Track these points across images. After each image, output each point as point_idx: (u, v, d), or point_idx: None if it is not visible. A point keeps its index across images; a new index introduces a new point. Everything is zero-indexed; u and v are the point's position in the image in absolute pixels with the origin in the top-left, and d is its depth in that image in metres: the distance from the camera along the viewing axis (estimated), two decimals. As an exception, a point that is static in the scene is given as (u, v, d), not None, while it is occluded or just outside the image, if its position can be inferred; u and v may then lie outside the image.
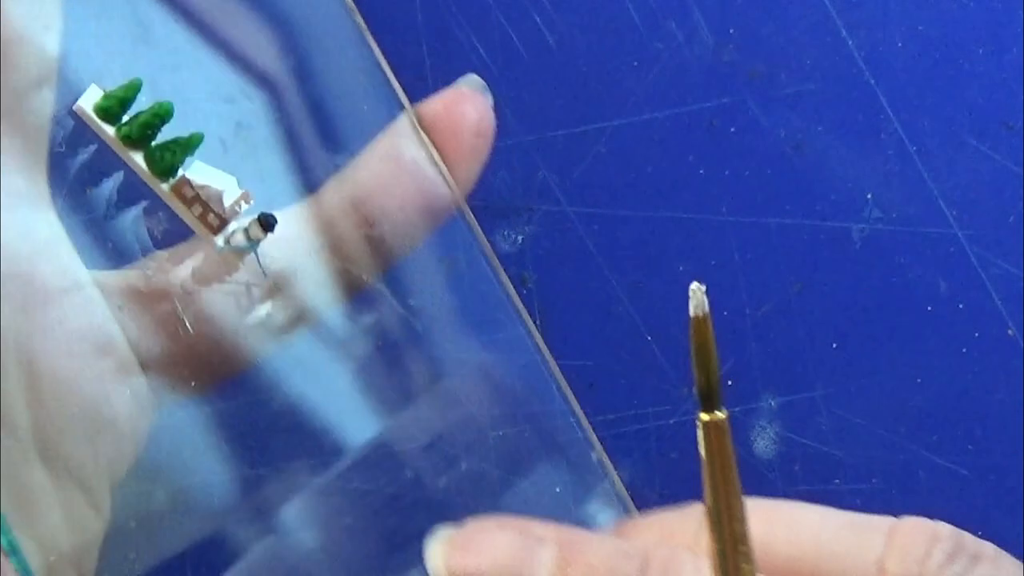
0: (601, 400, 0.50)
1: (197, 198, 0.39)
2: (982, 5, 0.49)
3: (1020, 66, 0.49)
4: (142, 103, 0.40)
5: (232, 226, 0.40)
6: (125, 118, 0.40)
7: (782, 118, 0.50)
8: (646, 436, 0.50)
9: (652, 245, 0.50)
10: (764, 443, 0.50)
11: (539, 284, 0.48)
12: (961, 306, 0.51)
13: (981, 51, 0.50)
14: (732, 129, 0.50)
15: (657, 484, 0.50)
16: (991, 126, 0.50)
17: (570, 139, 0.47)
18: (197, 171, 0.40)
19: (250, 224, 0.40)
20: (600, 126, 0.47)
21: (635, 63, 0.50)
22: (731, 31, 0.50)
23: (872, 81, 0.50)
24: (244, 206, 0.40)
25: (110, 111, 0.39)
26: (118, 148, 0.40)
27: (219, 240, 0.40)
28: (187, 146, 0.40)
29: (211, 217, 0.39)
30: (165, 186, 0.40)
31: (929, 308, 0.50)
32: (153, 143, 0.40)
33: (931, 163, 0.50)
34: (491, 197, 0.47)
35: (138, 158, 0.40)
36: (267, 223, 0.39)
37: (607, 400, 0.50)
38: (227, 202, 0.39)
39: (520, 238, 0.46)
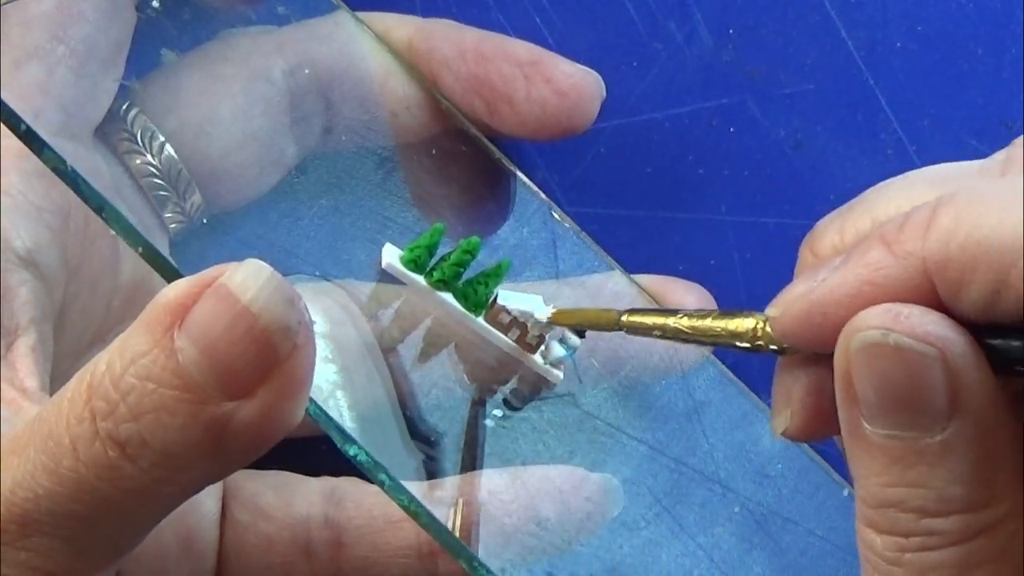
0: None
1: (514, 321, 0.41)
2: (982, 5, 0.49)
3: (1020, 66, 0.49)
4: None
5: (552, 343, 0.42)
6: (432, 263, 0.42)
7: (781, 118, 0.50)
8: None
9: (652, 245, 0.50)
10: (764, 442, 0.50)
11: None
12: (960, 306, 0.51)
13: (981, 51, 0.50)
14: (731, 129, 0.50)
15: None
16: (990, 126, 0.50)
17: (570, 139, 0.47)
18: (506, 297, 0.41)
19: (564, 335, 0.41)
20: (600, 126, 0.47)
21: (635, 63, 0.50)
22: (730, 31, 0.50)
23: (871, 81, 0.50)
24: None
25: (419, 260, 0.41)
26: (426, 294, 0.41)
27: (537, 357, 0.42)
28: (497, 275, 0.41)
29: (529, 337, 0.41)
30: (480, 318, 0.41)
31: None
32: (461, 281, 0.41)
33: (930, 163, 0.50)
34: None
35: (448, 298, 0.41)
36: (579, 331, 0.41)
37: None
38: (540, 319, 0.41)
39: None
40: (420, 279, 0.41)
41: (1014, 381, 0.33)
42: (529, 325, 0.41)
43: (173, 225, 0.42)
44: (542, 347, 0.42)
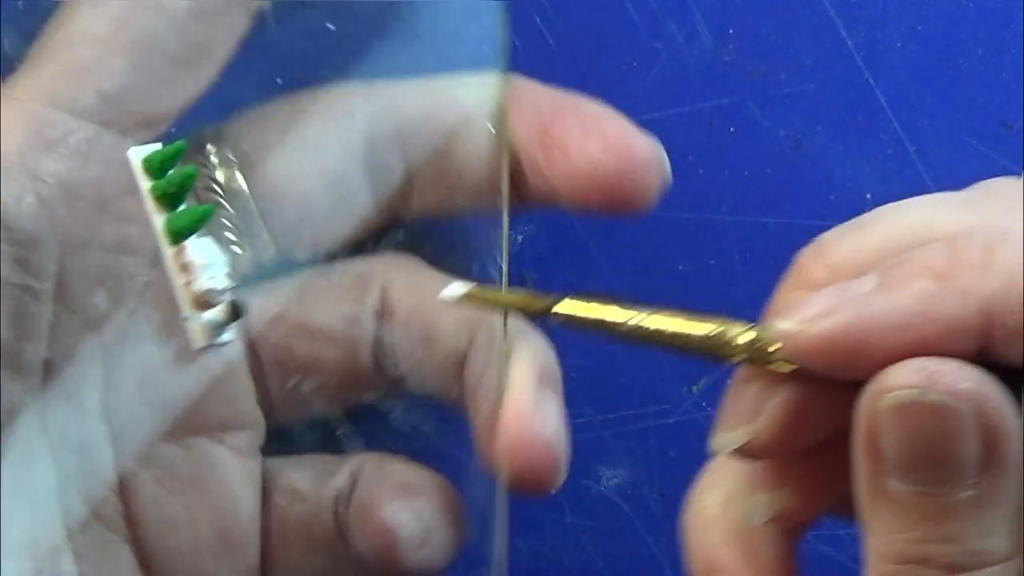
0: (601, 399, 0.50)
1: (188, 268, 0.39)
2: (982, 5, 0.49)
3: (1020, 66, 0.49)
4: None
5: (209, 308, 0.39)
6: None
7: (782, 118, 0.50)
8: (646, 435, 0.50)
9: (652, 245, 0.50)
10: (764, 443, 0.50)
11: (539, 283, 0.48)
12: (960, 306, 0.51)
13: (981, 51, 0.50)
14: (731, 129, 0.50)
15: (657, 483, 0.50)
16: (990, 126, 0.50)
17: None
18: (200, 245, 0.39)
19: (225, 306, 0.39)
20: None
21: (635, 63, 0.50)
22: (731, 31, 0.50)
23: (871, 81, 0.50)
24: (227, 286, 0.39)
25: (151, 166, 0.39)
26: (148, 203, 0.39)
27: (191, 312, 0.39)
28: (199, 217, 0.39)
29: (194, 287, 0.39)
30: (169, 251, 0.39)
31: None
32: (177, 208, 0.39)
33: (930, 163, 0.50)
34: (491, 197, 0.47)
35: (158, 219, 0.39)
36: (236, 310, 0.39)
37: (607, 399, 0.50)
38: (211, 281, 0.39)
39: (520, 237, 0.46)
40: (146, 184, 0.39)
41: None
42: (200, 277, 0.39)
43: (238, 252, 0.42)
44: (203, 311, 0.39)
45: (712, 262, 0.51)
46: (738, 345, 0.34)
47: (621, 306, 0.35)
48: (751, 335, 0.33)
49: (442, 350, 0.42)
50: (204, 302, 0.39)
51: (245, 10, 0.40)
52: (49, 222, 0.38)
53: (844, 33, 0.50)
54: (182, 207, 0.39)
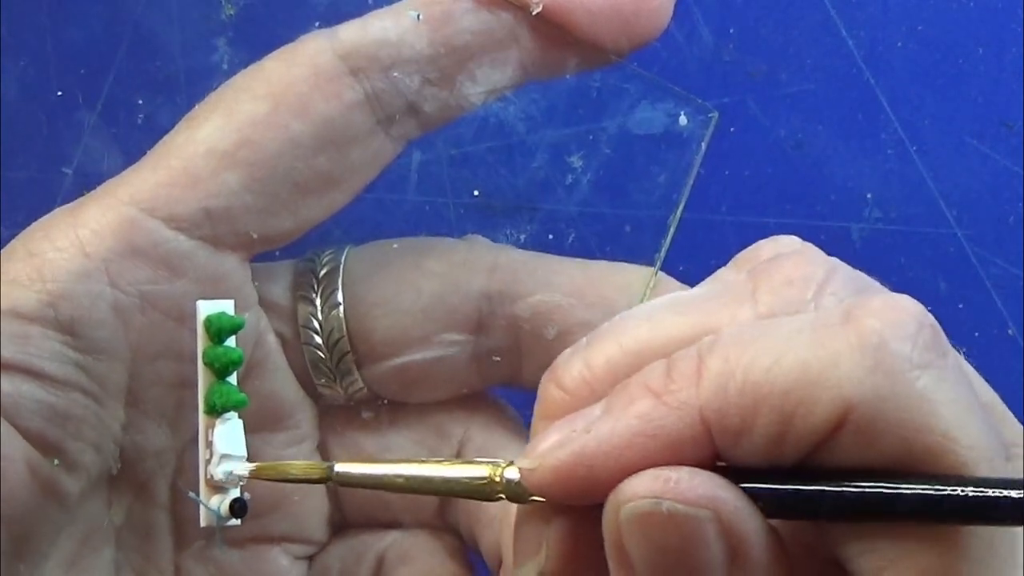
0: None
1: (211, 446, 0.39)
2: (982, 5, 0.50)
3: (1020, 66, 0.49)
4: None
5: (220, 494, 0.39)
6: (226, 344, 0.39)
7: (782, 118, 0.50)
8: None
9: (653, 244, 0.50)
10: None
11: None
12: (961, 306, 0.51)
13: (981, 51, 0.50)
14: (732, 129, 0.50)
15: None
16: (991, 126, 0.50)
17: (572, 138, 0.47)
18: (228, 429, 0.39)
19: (229, 502, 0.39)
20: (602, 125, 0.47)
21: (635, 63, 0.50)
22: (731, 31, 0.50)
23: (872, 81, 0.50)
24: (239, 480, 0.39)
25: (209, 329, 0.38)
26: (200, 363, 0.39)
27: (202, 495, 0.39)
28: (234, 403, 0.39)
29: (210, 470, 0.39)
30: (202, 419, 0.39)
31: (929, 308, 0.50)
32: (221, 381, 0.39)
33: (931, 163, 0.50)
34: (494, 196, 0.47)
35: (203, 383, 0.39)
36: (238, 509, 0.39)
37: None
38: (224, 473, 0.38)
39: (523, 237, 0.46)
40: (202, 343, 0.39)
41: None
42: (216, 463, 0.39)
43: (325, 392, 0.42)
44: (215, 495, 0.39)
45: (712, 262, 0.50)
46: (498, 486, 0.34)
47: (390, 463, 0.36)
48: (512, 475, 0.34)
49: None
50: (215, 487, 0.39)
51: (390, 140, 0.39)
52: (120, 331, 0.37)
53: (845, 33, 0.50)
54: (226, 381, 0.39)
